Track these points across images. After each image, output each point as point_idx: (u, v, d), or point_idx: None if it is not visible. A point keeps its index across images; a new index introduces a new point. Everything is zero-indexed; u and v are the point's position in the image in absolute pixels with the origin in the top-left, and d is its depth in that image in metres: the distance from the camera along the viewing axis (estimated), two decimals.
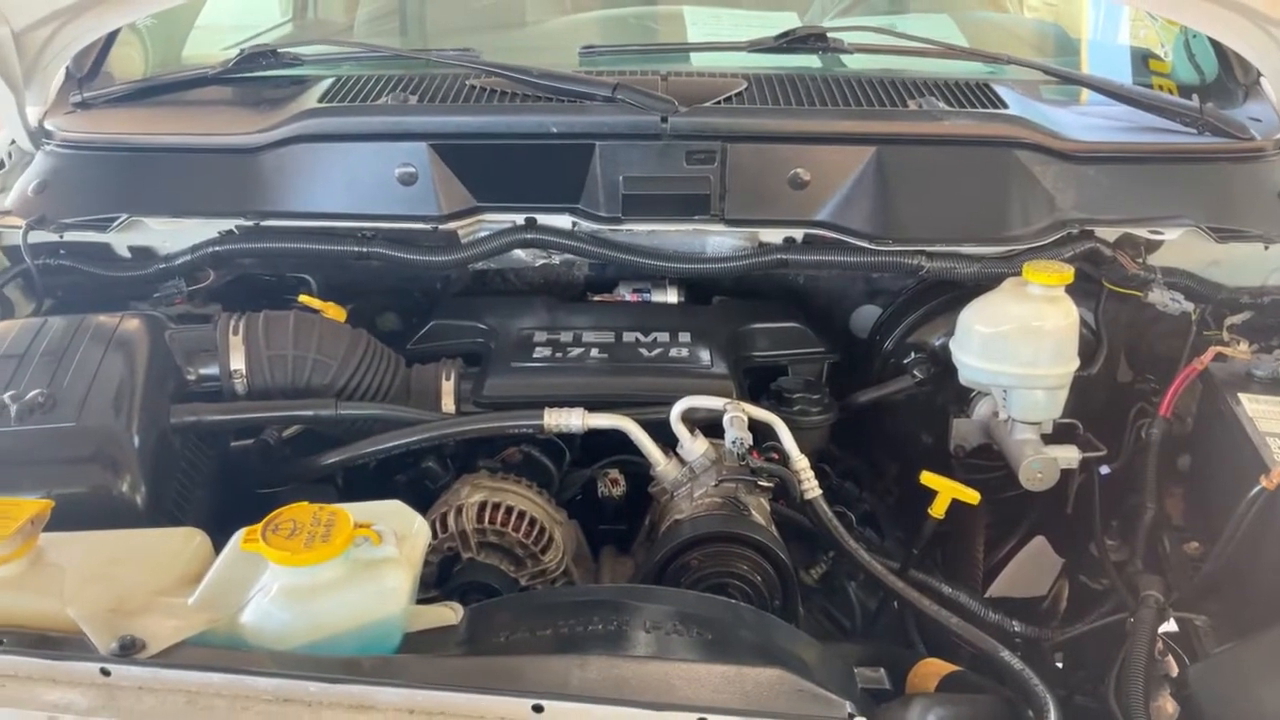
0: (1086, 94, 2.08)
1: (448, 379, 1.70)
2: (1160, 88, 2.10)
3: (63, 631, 1.06)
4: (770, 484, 1.55)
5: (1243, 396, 1.59)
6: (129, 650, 1.01)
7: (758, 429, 1.56)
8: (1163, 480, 1.69)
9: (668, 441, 1.58)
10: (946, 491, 1.62)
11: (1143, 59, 2.25)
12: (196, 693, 0.97)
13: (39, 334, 1.56)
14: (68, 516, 1.18)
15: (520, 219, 1.79)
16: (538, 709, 0.94)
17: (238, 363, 1.62)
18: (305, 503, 1.11)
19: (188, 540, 1.22)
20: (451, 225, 1.78)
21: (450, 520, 1.53)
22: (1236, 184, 1.84)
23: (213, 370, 1.62)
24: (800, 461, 1.54)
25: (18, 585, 1.10)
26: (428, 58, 2.06)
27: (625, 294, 1.95)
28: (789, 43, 1.92)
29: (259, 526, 1.08)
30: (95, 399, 1.43)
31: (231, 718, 0.95)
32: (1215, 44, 2.02)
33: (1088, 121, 1.92)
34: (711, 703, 0.98)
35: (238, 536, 1.14)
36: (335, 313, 1.79)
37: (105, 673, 0.98)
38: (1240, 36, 1.79)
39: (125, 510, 1.35)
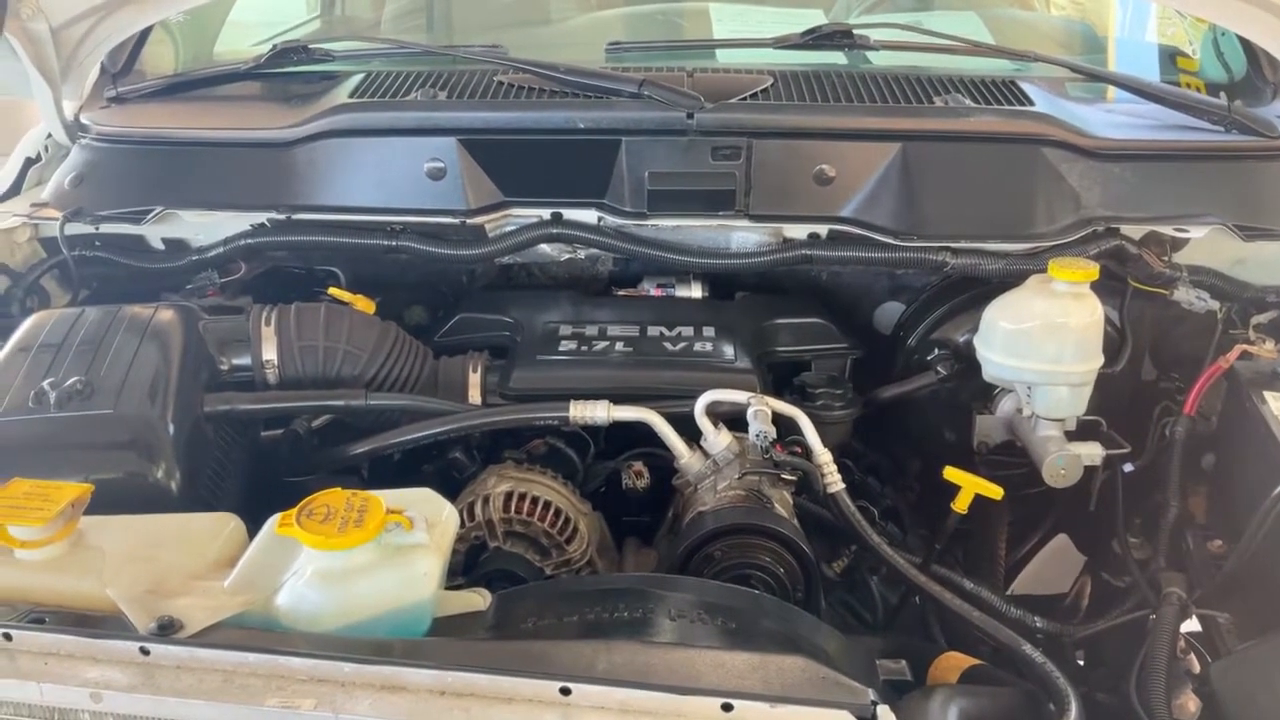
0: (1113, 92, 2.08)
1: (474, 371, 1.72)
2: (1188, 86, 2.09)
3: (103, 612, 1.09)
4: (793, 477, 1.56)
5: (1268, 395, 1.59)
6: (167, 630, 1.04)
7: (781, 423, 1.56)
8: (1186, 478, 1.69)
9: (691, 435, 1.59)
10: (970, 487, 1.62)
11: (1170, 57, 2.24)
12: (233, 672, 0.99)
13: (76, 324, 1.59)
14: (104, 501, 1.21)
15: (546, 214, 1.81)
16: (565, 691, 0.96)
17: (270, 353, 1.64)
18: (339, 489, 1.13)
19: (223, 525, 1.24)
20: (479, 220, 1.80)
21: (477, 509, 1.55)
22: (1264, 182, 1.83)
23: (245, 360, 1.65)
24: (823, 455, 1.55)
25: (59, 567, 1.13)
26: (456, 54, 2.08)
27: (649, 289, 1.97)
28: (815, 39, 1.93)
29: (293, 511, 1.11)
30: (131, 387, 1.45)
31: (267, 696, 0.97)
32: (1244, 42, 2.01)
33: (1114, 119, 1.91)
34: (736, 688, 0.99)
35: (272, 521, 1.16)
36: (364, 305, 1.82)
37: (144, 652, 1.00)
38: (1270, 35, 1.78)
39: (160, 496, 1.38)
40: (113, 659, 1.00)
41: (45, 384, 1.43)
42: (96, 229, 1.86)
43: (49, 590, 1.12)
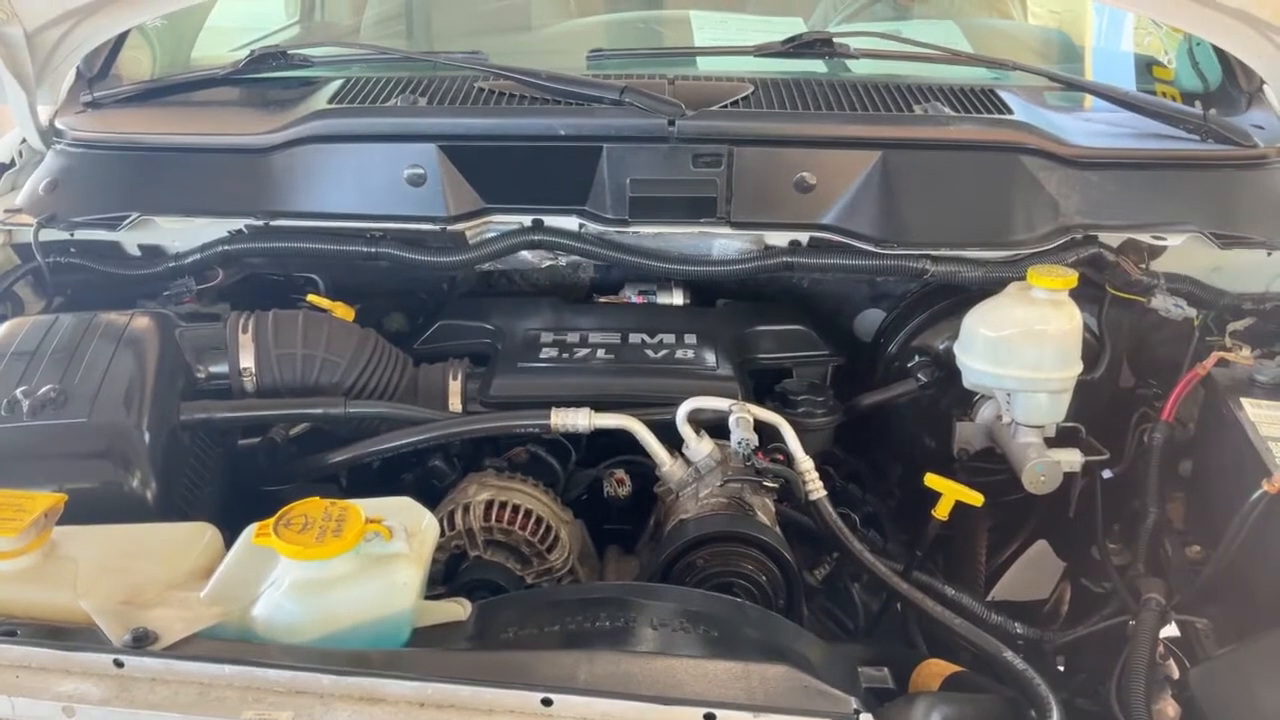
0: (1091, 100, 2.09)
1: (455, 379, 1.71)
2: (1164, 94, 2.11)
3: (76, 623, 1.07)
4: (775, 485, 1.55)
5: (1245, 401, 1.60)
6: (142, 642, 1.02)
7: (763, 430, 1.57)
8: (1165, 484, 1.70)
9: (673, 442, 1.59)
10: (950, 493, 1.62)
11: (1146, 66, 2.26)
12: (209, 684, 0.98)
13: (50, 331, 1.57)
14: (79, 511, 1.20)
15: (527, 220, 1.80)
16: (546, 702, 0.95)
17: (247, 361, 1.63)
18: (317, 498, 1.12)
19: (199, 534, 1.23)
20: (459, 226, 1.79)
21: (457, 518, 1.54)
22: (1239, 190, 1.84)
23: (222, 368, 1.63)
24: (805, 463, 1.55)
25: (32, 577, 1.12)
26: (437, 60, 2.07)
27: (631, 296, 1.96)
28: (796, 47, 1.93)
29: (271, 521, 1.09)
30: (106, 396, 1.44)
31: (243, 709, 0.96)
32: (1219, 51, 2.03)
33: (1092, 127, 1.93)
34: (719, 698, 0.99)
35: (249, 531, 1.15)
36: (343, 312, 1.81)
37: (118, 664, 0.99)
38: (1244, 44, 1.80)
39: (135, 505, 1.37)
40: (86, 671, 0.99)
41: (18, 392, 1.42)
42: (71, 235, 1.84)
43: (21, 602, 1.10)
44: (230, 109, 2.07)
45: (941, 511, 1.64)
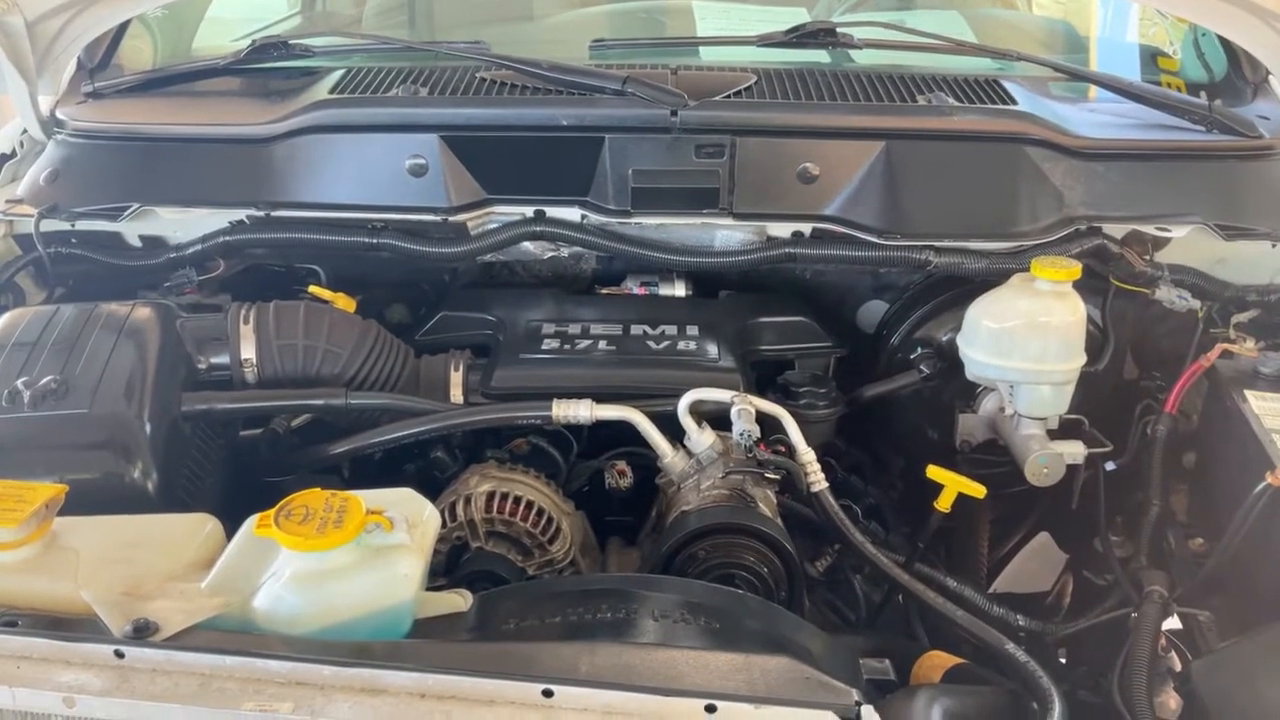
0: (1095, 91, 2.09)
1: (456, 370, 1.71)
2: (1169, 85, 2.10)
3: (77, 614, 1.07)
4: (777, 476, 1.55)
5: (1249, 394, 1.60)
6: (142, 633, 1.02)
7: (765, 422, 1.56)
8: (1168, 477, 1.70)
9: (675, 434, 1.59)
10: (953, 485, 1.62)
11: (1151, 57, 2.25)
12: (209, 675, 0.98)
13: (51, 322, 1.57)
14: (80, 502, 1.20)
15: (529, 211, 1.80)
16: (548, 694, 0.95)
17: (248, 352, 1.63)
18: (318, 489, 1.12)
19: (200, 525, 1.23)
20: (461, 217, 1.79)
21: (459, 509, 1.54)
22: (1244, 182, 1.84)
23: (223, 359, 1.63)
24: (807, 454, 1.55)
25: (33, 568, 1.12)
26: (438, 50, 2.06)
27: (633, 287, 1.96)
28: (799, 37, 1.92)
29: (272, 512, 1.09)
30: (107, 386, 1.44)
31: (244, 700, 0.96)
32: (1224, 42, 2.02)
33: (1096, 118, 1.92)
34: (720, 689, 0.99)
35: (250, 522, 1.15)
36: (345, 303, 1.80)
37: (119, 655, 0.99)
38: (1249, 34, 1.79)
39: (136, 496, 1.37)
40: (87, 662, 0.99)
41: (19, 383, 1.41)
42: (72, 226, 1.84)
43: (22, 592, 1.10)
44: (231, 99, 2.07)
45: (944, 503, 1.64)
